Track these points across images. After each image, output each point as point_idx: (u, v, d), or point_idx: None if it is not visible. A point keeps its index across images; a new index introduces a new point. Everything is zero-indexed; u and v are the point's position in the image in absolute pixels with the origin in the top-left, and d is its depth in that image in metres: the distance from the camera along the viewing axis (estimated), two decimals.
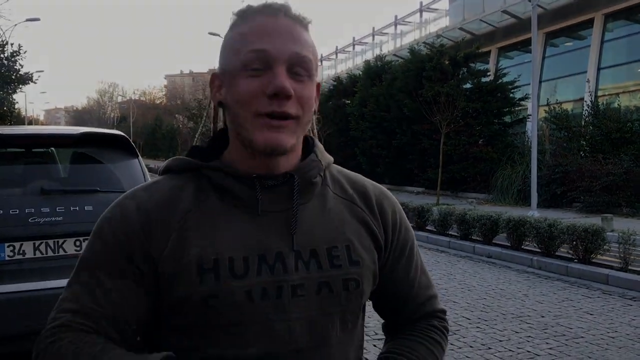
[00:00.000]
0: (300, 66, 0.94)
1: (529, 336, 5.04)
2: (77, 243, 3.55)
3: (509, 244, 9.06)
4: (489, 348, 4.73)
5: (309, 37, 0.98)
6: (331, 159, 1.08)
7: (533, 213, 11.65)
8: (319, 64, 1.01)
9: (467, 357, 4.51)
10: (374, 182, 1.14)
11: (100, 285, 0.93)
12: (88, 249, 0.97)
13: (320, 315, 0.96)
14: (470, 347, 4.75)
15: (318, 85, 1.02)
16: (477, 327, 5.31)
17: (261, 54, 0.92)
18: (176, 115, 62.86)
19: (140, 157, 4.08)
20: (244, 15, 0.97)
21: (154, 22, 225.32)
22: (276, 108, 0.91)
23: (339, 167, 1.12)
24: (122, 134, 4.14)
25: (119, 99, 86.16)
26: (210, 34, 29.26)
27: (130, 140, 4.11)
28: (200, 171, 0.99)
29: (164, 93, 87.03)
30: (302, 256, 0.96)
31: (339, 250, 0.99)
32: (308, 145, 1.06)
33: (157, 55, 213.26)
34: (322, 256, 0.98)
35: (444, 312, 1.15)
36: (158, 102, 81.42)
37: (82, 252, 0.99)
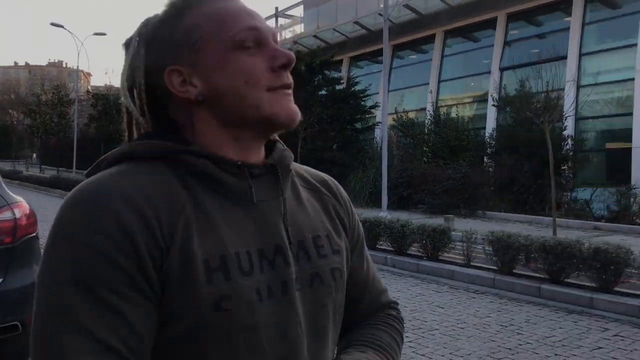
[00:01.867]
0: (277, 41, 0.93)
1: None
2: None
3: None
4: None
5: None
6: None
7: (385, 214, 12.35)
8: None
9: None
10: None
11: (117, 311, 0.73)
12: (73, 265, 0.74)
13: (317, 308, 0.91)
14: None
15: None
16: None
17: (255, 31, 0.88)
18: (10, 111, 57.47)
19: None
20: (193, 2, 0.90)
21: None
22: (286, 80, 0.89)
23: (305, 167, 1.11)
24: None
25: None
26: (53, 24, 27.19)
27: None
28: (173, 158, 0.85)
29: None
30: (292, 248, 0.91)
31: (322, 240, 0.96)
32: None
33: None
34: (310, 246, 0.93)
35: (397, 303, 1.16)
36: None
37: (57, 272, 0.74)
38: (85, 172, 0.89)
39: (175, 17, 0.90)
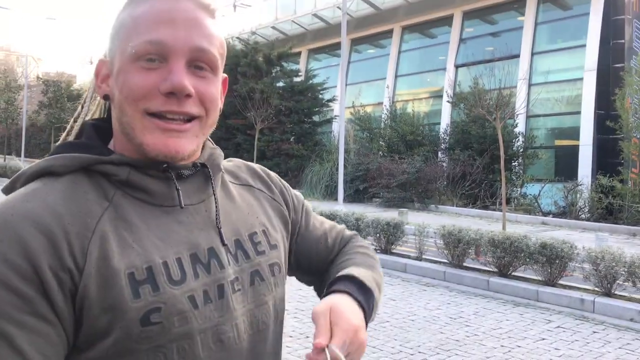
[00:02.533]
0: (203, 61, 0.83)
1: None
2: None
3: None
4: (307, 337, 4.99)
5: (215, 27, 0.86)
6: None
7: (341, 207, 12.43)
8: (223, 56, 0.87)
9: (287, 346, 4.70)
10: (259, 165, 1.11)
11: (9, 340, 0.70)
12: None
13: (258, 306, 0.90)
14: (290, 337, 4.96)
15: (225, 80, 0.93)
16: (295, 317, 5.56)
17: (157, 45, 0.79)
18: None
19: None
20: None
21: None
22: (175, 107, 0.80)
23: (238, 159, 1.10)
24: None
25: None
26: (2, 7, 26.22)
27: None
28: (92, 169, 0.82)
29: None
30: (230, 249, 0.89)
31: (259, 236, 0.94)
32: None
33: None
34: (247, 245, 0.92)
35: (357, 233, 1.18)
36: None
37: None
38: (1, 188, 0.85)
39: (122, 8, 0.87)
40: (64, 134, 0.96)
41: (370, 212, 11.18)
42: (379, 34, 23.07)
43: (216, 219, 0.89)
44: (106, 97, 0.87)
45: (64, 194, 0.78)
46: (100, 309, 0.74)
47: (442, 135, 18.15)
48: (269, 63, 20.19)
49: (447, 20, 20.32)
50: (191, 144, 0.83)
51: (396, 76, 22.09)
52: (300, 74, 21.26)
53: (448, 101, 18.14)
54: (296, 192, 1.11)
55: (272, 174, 1.10)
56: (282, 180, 1.10)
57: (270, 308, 0.93)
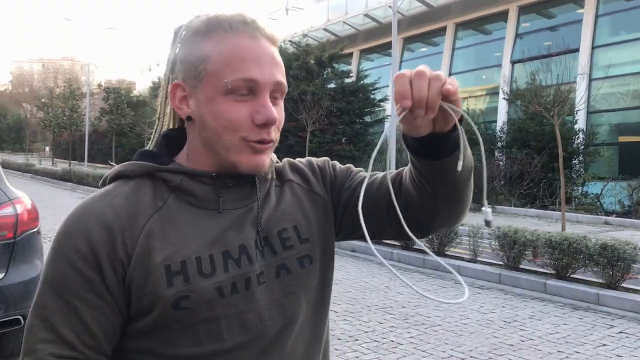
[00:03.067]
0: (281, 91, 0.97)
1: (392, 326, 5.33)
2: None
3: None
4: (356, 339, 4.93)
5: (280, 58, 0.99)
6: (274, 156, 1.10)
7: None
8: None
9: (335, 349, 4.67)
10: (309, 157, 1.19)
11: (76, 312, 0.91)
12: (52, 270, 0.92)
13: (285, 296, 1.00)
14: (339, 339, 4.92)
15: None
16: (344, 319, 5.51)
17: (251, 83, 0.92)
18: (24, 104, 57.97)
19: None
20: (218, 28, 0.95)
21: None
22: (266, 136, 0.95)
23: (286, 159, 1.17)
24: None
25: None
26: (67, 19, 27.32)
27: None
28: (154, 175, 0.98)
29: (9, 80, 79.78)
30: (259, 246, 1.00)
31: (288, 232, 1.03)
32: None
33: (1, 39, 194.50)
34: (274, 241, 1.02)
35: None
36: (2, 89, 74.47)
37: (45, 272, 0.93)
38: (99, 183, 1.04)
39: (200, 37, 0.96)
40: (150, 143, 1.09)
41: None
42: (431, 32, 22.76)
43: (257, 222, 1.01)
44: (188, 118, 0.99)
45: (128, 195, 0.96)
46: (143, 293, 0.92)
47: (499, 134, 17.69)
48: (320, 65, 20.23)
49: (502, 16, 19.83)
50: (268, 159, 1.00)
51: (450, 74, 21.60)
52: (351, 74, 21.21)
53: (504, 98, 17.65)
54: (330, 162, 1.18)
55: (314, 161, 1.17)
56: (324, 161, 1.17)
57: (300, 297, 1.02)
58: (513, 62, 19.07)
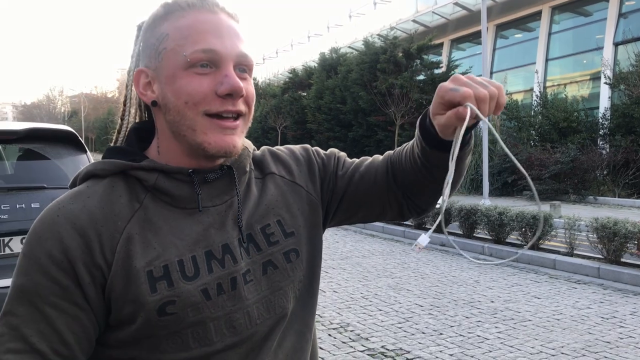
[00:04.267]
0: (245, 64, 0.93)
1: (479, 321, 5.19)
2: (24, 241, 3.48)
3: (461, 232, 9.28)
4: (441, 334, 4.86)
5: (243, 32, 0.96)
6: (249, 142, 1.07)
7: (485, 201, 11.95)
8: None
9: (419, 343, 4.62)
10: (288, 145, 1.15)
11: (47, 319, 0.85)
12: (22, 276, 0.86)
13: (273, 292, 0.98)
14: (423, 333, 4.87)
15: None
16: (430, 313, 5.44)
17: (210, 53, 0.89)
18: None
19: (88, 152, 4.02)
20: (176, 9, 0.92)
21: (105, 13, 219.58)
22: (231, 107, 0.90)
23: (265, 147, 1.12)
24: (70, 129, 4.07)
25: (70, 93, 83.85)
26: None
27: (78, 136, 4.04)
28: (127, 173, 0.94)
29: (116, 86, 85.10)
30: (242, 243, 0.97)
31: (272, 227, 1.00)
32: None
33: (108, 47, 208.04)
34: (258, 237, 0.99)
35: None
36: (110, 95, 79.57)
37: (15, 279, 0.87)
38: (69, 184, 0.99)
39: (159, 20, 0.94)
40: (113, 139, 1.05)
41: (519, 206, 10.64)
42: (525, 17, 21.78)
43: (238, 218, 0.97)
44: (154, 103, 0.95)
45: (102, 196, 0.91)
46: (124, 300, 0.87)
47: (601, 120, 16.66)
48: (408, 57, 19.92)
49: None
50: (240, 139, 0.94)
51: (546, 60, 20.70)
52: (441, 65, 20.73)
53: (606, 83, 16.62)
54: (319, 151, 1.14)
55: (296, 150, 1.13)
56: (307, 150, 1.13)
57: (287, 292, 1.00)
58: (616, 44, 17.85)
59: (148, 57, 0.94)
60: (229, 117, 0.91)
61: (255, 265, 0.97)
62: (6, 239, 3.44)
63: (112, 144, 1.03)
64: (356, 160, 1.15)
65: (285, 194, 1.05)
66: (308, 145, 1.16)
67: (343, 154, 1.16)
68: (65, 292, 0.86)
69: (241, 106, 0.91)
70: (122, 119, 1.04)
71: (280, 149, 1.13)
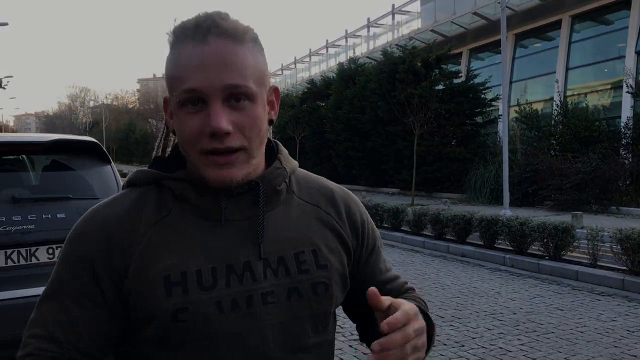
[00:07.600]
0: (238, 93, 0.89)
1: (501, 333, 5.14)
2: (50, 251, 3.54)
3: (482, 243, 9.21)
4: (462, 345, 4.81)
5: (245, 54, 0.91)
6: (296, 164, 1.06)
7: (505, 212, 11.84)
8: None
9: (441, 355, 4.59)
10: (340, 185, 1.14)
11: (67, 312, 0.92)
12: (55, 271, 0.96)
13: (291, 319, 0.96)
14: (444, 345, 4.83)
15: (276, 90, 1.01)
16: (451, 325, 5.40)
17: (193, 93, 0.88)
18: (150, 120, 62.27)
19: (112, 163, 4.07)
20: (175, 39, 0.93)
21: (126, 25, 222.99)
22: (218, 145, 0.89)
23: (305, 172, 1.11)
24: (94, 140, 4.13)
25: (91, 104, 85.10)
26: None
27: (103, 147, 4.10)
28: (161, 183, 0.97)
29: (136, 97, 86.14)
30: (271, 264, 0.96)
31: (305, 255, 0.99)
32: (272, 151, 1.04)
33: (129, 59, 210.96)
34: (290, 262, 0.97)
35: (413, 289, 1.17)
36: (131, 106, 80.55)
37: (53, 272, 0.97)
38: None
39: (169, 50, 0.94)
40: (155, 150, 1.11)
41: (540, 217, 10.52)
42: (545, 26, 21.64)
43: (259, 236, 0.96)
44: (174, 132, 1.00)
45: (133, 203, 0.97)
46: (142, 301, 0.91)
47: (623, 130, 16.45)
48: (427, 67, 19.89)
49: (625, 4, 18.43)
50: (241, 170, 0.93)
51: (567, 69, 20.53)
52: (460, 75, 20.65)
53: (628, 92, 16.43)
54: (373, 226, 1.14)
55: (354, 204, 1.11)
56: (364, 213, 1.12)
57: (306, 323, 0.98)
58: (638, 53, 17.66)
59: (167, 88, 0.96)
60: (222, 153, 0.90)
61: (281, 288, 0.96)
62: (32, 249, 3.50)
63: (158, 152, 1.09)
64: (383, 262, 1.15)
65: (325, 230, 1.04)
66: (369, 218, 1.14)
67: (380, 247, 1.15)
68: (85, 289, 0.92)
69: (233, 142, 0.90)
70: (162, 132, 1.09)
71: (335, 189, 1.12)
